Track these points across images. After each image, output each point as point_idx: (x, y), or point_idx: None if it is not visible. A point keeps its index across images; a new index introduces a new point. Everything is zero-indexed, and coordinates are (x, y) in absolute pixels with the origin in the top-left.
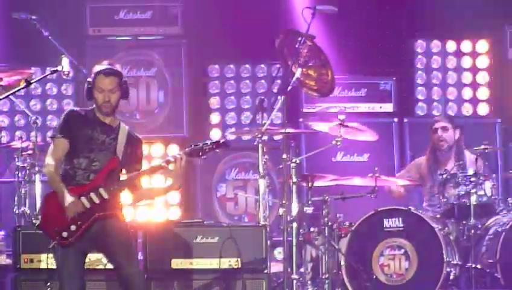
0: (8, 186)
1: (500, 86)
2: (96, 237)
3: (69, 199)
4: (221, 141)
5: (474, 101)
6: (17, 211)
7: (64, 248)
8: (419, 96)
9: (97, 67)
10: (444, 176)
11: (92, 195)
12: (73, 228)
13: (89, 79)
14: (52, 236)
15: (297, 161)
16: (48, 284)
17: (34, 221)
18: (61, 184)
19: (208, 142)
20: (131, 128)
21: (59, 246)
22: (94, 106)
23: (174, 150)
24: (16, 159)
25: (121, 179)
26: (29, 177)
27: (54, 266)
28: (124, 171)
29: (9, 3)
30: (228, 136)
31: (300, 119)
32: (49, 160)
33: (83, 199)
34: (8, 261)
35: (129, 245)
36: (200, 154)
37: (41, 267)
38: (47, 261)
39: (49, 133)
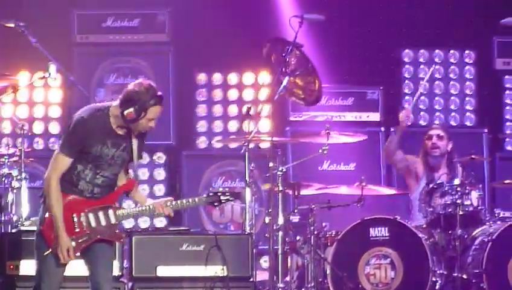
0: None
1: (487, 96)
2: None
3: (66, 241)
4: (239, 193)
5: (461, 111)
6: (3, 218)
7: (54, 257)
8: (406, 106)
9: (151, 89)
10: (430, 185)
11: (100, 215)
12: (73, 244)
13: (137, 104)
14: (50, 244)
15: (284, 170)
16: None
17: (20, 227)
18: (62, 222)
19: (226, 195)
20: None
21: (53, 255)
22: (110, 109)
23: (160, 157)
24: (3, 166)
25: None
26: (16, 184)
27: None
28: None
29: None
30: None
31: (287, 128)
32: (53, 177)
33: (91, 215)
34: None
35: (109, 258)
36: (216, 204)
37: (27, 273)
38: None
39: (57, 143)
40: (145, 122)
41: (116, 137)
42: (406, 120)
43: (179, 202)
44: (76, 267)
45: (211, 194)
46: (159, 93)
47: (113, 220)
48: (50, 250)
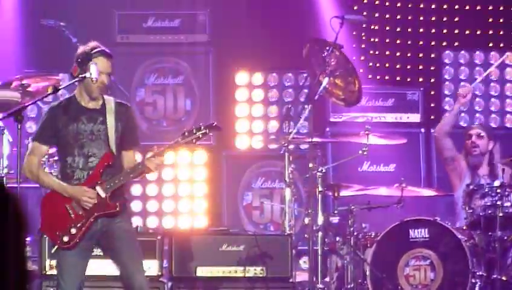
0: (34, 192)
1: None
2: (99, 237)
3: (77, 190)
4: (214, 124)
5: (502, 112)
6: None
7: (66, 250)
8: (447, 107)
9: (94, 47)
10: (470, 187)
11: (92, 191)
12: (73, 231)
13: (79, 59)
14: (54, 240)
15: (324, 170)
16: None
17: None
18: (57, 180)
19: (202, 128)
20: (119, 99)
21: (61, 249)
22: (75, 92)
23: (201, 157)
24: (43, 165)
25: (119, 173)
26: None
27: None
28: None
29: (38, 9)
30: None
31: (327, 129)
32: (28, 164)
33: None
34: (34, 267)
35: (134, 248)
36: (194, 141)
37: None
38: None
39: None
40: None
41: (90, 112)
42: (465, 96)
43: (161, 148)
44: (99, 267)
45: (186, 134)
46: (105, 49)
47: (102, 194)
48: (56, 247)
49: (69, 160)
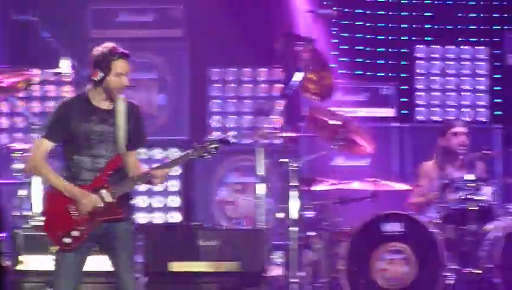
0: (7, 188)
1: (499, 92)
2: (100, 238)
3: (81, 194)
4: (225, 138)
5: (474, 106)
6: (16, 213)
7: (62, 252)
8: (419, 102)
9: (113, 49)
10: (444, 181)
11: (95, 198)
12: (75, 233)
13: (98, 62)
14: (55, 240)
15: (297, 165)
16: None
17: (32, 223)
18: (62, 179)
19: (214, 142)
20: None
21: (61, 251)
22: (87, 89)
23: (174, 152)
24: (15, 161)
25: (125, 178)
26: (29, 179)
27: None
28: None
29: (10, 4)
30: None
31: (301, 123)
32: (32, 159)
33: None
34: (8, 262)
35: (130, 249)
36: (205, 155)
37: (39, 269)
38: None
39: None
40: (115, 79)
41: (102, 112)
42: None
43: (169, 161)
44: (95, 263)
45: (197, 147)
46: (123, 50)
47: (108, 199)
48: (57, 247)
49: (76, 159)
